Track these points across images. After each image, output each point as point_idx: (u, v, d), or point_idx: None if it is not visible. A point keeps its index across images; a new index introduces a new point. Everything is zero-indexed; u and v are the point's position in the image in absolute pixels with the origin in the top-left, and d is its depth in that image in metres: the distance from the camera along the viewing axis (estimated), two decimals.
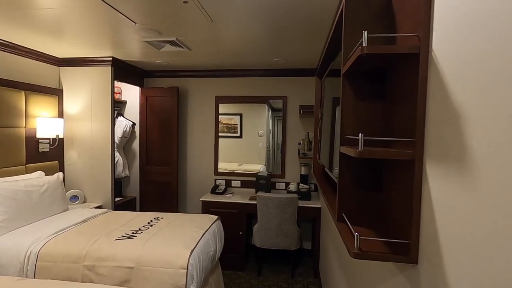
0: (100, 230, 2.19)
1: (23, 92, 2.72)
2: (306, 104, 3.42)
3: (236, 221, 3.14)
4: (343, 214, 0.95)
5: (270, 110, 3.78)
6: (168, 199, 3.65)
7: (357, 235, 0.75)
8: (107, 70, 3.11)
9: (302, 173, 3.46)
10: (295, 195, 2.94)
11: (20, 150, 2.71)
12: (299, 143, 3.48)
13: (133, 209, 3.79)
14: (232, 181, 3.71)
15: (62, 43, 2.59)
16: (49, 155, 3.02)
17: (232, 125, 3.83)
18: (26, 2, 1.75)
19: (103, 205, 3.15)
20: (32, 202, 2.34)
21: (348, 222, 0.86)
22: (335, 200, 1.12)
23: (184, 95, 3.78)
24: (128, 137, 3.82)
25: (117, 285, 1.81)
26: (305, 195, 3.19)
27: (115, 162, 3.61)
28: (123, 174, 3.74)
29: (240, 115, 3.83)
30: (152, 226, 2.32)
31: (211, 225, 2.40)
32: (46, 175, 2.73)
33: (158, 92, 3.70)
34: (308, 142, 3.28)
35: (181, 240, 2.02)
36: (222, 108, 3.77)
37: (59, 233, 2.15)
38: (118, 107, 3.83)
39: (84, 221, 2.42)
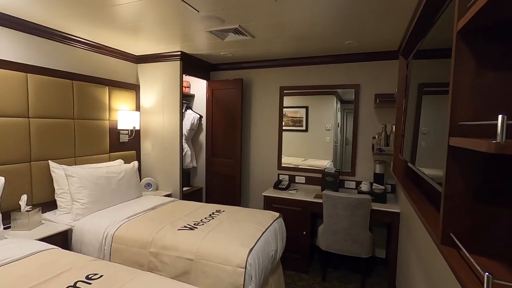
0: (166, 219, 2.26)
1: (107, 88, 3.01)
2: (383, 93, 2.97)
3: (299, 220, 2.94)
4: (452, 234, 0.67)
5: (338, 102, 3.42)
6: (231, 191, 3.66)
7: (487, 277, 0.47)
8: (176, 65, 3.23)
9: (377, 171, 3.03)
10: (367, 196, 2.57)
11: (105, 140, 3.02)
12: (374, 138, 3.06)
13: (199, 199, 3.93)
14: (296, 177, 3.50)
15: (138, 40, 2.75)
16: (128, 145, 3.31)
17: (298, 118, 3.60)
18: (105, 1, 1.86)
19: (172, 194, 3.32)
20: (111, 188, 2.56)
21: (463, 248, 0.59)
22: (431, 210, 0.83)
23: (248, 86, 3.71)
24: (195, 129, 3.96)
25: (178, 276, 1.82)
26: (379, 197, 2.79)
27: (184, 153, 3.78)
28: (191, 165, 3.90)
29: (306, 108, 3.57)
30: (213, 218, 2.30)
31: (273, 222, 2.25)
32: (125, 163, 2.99)
33: (223, 84, 3.72)
34: (385, 136, 2.84)
35: (240, 237, 1.93)
36: (287, 100, 3.58)
37: (131, 218, 2.29)
38: (186, 100, 3.99)
39: (153, 208, 2.55)
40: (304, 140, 3.59)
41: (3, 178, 1.89)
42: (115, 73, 3.15)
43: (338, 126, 3.45)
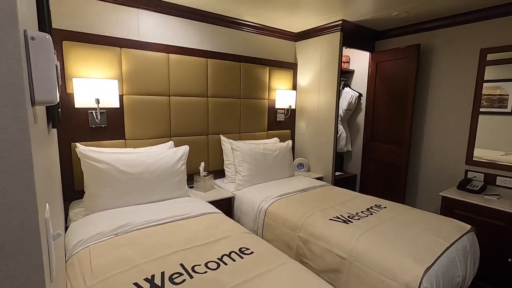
0: (317, 204, 2.09)
1: (267, 68, 3.11)
2: None
3: (501, 239, 2.04)
4: None
5: None
6: (393, 184, 3.07)
7: None
8: (335, 37, 2.91)
9: None
10: None
11: (264, 118, 3.18)
12: None
13: (352, 187, 3.56)
14: (497, 177, 2.47)
15: (298, 15, 2.63)
16: (283, 124, 3.37)
17: (498, 96, 2.49)
18: None
19: (324, 177, 3.14)
20: (267, 164, 2.65)
21: None
22: None
23: (427, 54, 2.88)
24: (353, 109, 3.55)
25: (327, 271, 1.62)
26: None
27: (338, 135, 3.48)
28: (345, 149, 3.56)
29: None
30: (372, 214, 1.92)
31: (461, 237, 1.62)
32: (280, 142, 3.05)
33: (391, 55, 3.06)
34: None
35: (411, 248, 1.48)
36: (488, 71, 2.51)
37: (283, 196, 2.28)
38: (345, 77, 3.61)
39: (304, 190, 2.45)
40: (508, 126, 2.45)
41: (187, 147, 2.28)
42: (275, 53, 3.21)
43: None
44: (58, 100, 0.50)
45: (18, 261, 0.40)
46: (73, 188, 2.09)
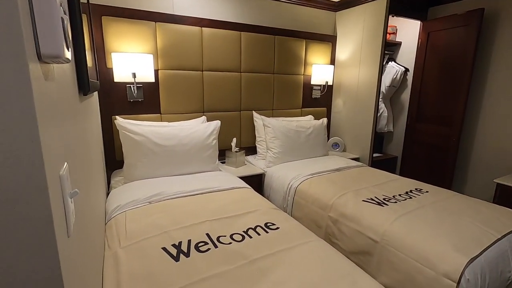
0: (350, 185, 2.00)
1: (304, 41, 2.94)
2: None
3: None
4: None
5: None
6: (438, 168, 2.81)
7: None
8: (381, 5, 2.61)
9: None
10: None
11: (298, 95, 3.05)
12: None
13: (392, 170, 3.34)
14: None
15: None
16: (319, 101, 3.21)
17: None
18: None
19: (360, 158, 2.98)
20: (299, 142, 2.58)
21: None
22: None
23: (492, 21, 2.48)
24: (397, 86, 3.25)
25: (356, 253, 1.56)
26: None
27: (379, 114, 3.25)
28: (386, 129, 3.33)
29: None
30: (411, 198, 1.78)
31: None
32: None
33: (447, 22, 2.70)
34: None
35: (454, 236, 1.34)
36: None
37: (314, 175, 2.21)
38: (390, 50, 3.30)
39: (337, 170, 2.35)
40: None
41: (219, 121, 2.29)
42: (313, 25, 3.01)
43: None
44: (67, 56, 0.49)
45: (27, 214, 0.40)
46: (114, 159, 2.24)
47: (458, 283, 1.14)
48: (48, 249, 0.42)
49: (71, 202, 0.53)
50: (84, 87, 0.92)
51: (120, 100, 2.18)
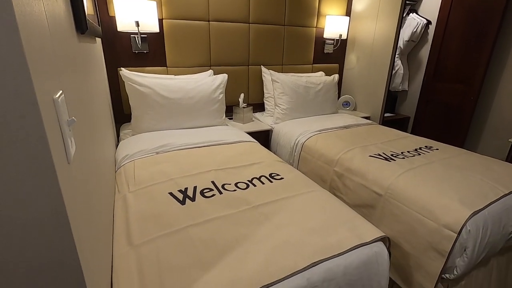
0: (358, 141, 1.97)
1: None
2: None
3: None
4: None
5: None
6: (452, 127, 2.73)
7: None
8: None
9: None
10: None
11: (310, 49, 2.90)
12: None
13: (403, 130, 3.27)
14: None
15: None
16: (331, 57, 3.06)
17: None
18: None
19: (371, 117, 2.90)
20: (308, 98, 2.51)
21: None
22: None
23: None
24: (416, 41, 3.04)
25: (359, 206, 1.58)
26: None
27: (394, 71, 3.09)
28: (400, 88, 3.19)
29: None
30: (419, 155, 1.75)
31: None
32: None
33: None
34: None
35: (460, 189, 1.33)
36: None
37: (322, 131, 2.18)
38: (412, 0, 3.03)
39: (346, 127, 2.31)
40: None
41: (226, 75, 2.22)
42: None
43: None
44: None
45: (19, 135, 0.40)
46: (122, 112, 2.25)
47: (459, 234, 1.15)
48: (46, 171, 0.42)
49: (69, 130, 0.53)
50: (81, 25, 0.88)
51: (125, 51, 2.12)
